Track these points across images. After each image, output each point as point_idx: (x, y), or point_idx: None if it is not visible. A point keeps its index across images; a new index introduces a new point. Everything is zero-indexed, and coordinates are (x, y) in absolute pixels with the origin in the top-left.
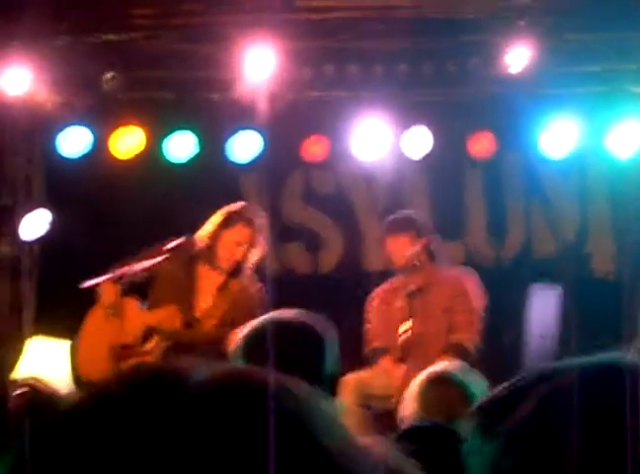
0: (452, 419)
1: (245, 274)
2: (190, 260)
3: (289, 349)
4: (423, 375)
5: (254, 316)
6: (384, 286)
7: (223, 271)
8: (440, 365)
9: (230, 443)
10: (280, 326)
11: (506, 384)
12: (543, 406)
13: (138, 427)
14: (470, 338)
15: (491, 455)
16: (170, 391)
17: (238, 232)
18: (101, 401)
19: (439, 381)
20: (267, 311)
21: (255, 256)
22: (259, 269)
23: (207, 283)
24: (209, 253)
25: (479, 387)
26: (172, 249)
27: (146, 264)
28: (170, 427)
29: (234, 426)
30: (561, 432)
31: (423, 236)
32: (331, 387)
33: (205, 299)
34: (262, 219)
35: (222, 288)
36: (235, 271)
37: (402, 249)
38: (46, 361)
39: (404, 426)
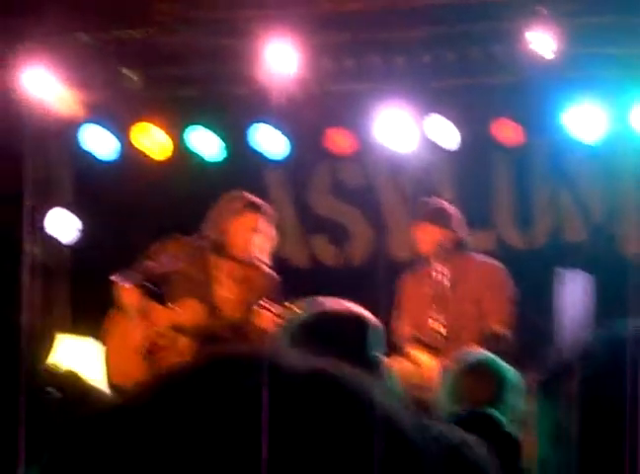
0: (487, 406)
1: (260, 261)
2: (202, 254)
3: (337, 337)
4: (457, 364)
5: (272, 301)
6: (414, 273)
7: (238, 260)
8: (474, 354)
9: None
10: (327, 314)
11: (569, 345)
12: (602, 368)
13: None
14: (503, 327)
15: (554, 415)
16: (270, 373)
17: (250, 219)
18: (194, 383)
19: (473, 369)
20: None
21: (268, 244)
22: (281, 260)
23: (225, 276)
24: (222, 244)
25: (512, 374)
26: (193, 243)
27: (169, 264)
28: (275, 407)
29: (329, 416)
30: (617, 393)
31: (452, 227)
32: (377, 373)
33: (223, 290)
34: (270, 208)
35: (239, 277)
36: (252, 259)
37: (430, 237)
38: (79, 359)
39: (439, 414)
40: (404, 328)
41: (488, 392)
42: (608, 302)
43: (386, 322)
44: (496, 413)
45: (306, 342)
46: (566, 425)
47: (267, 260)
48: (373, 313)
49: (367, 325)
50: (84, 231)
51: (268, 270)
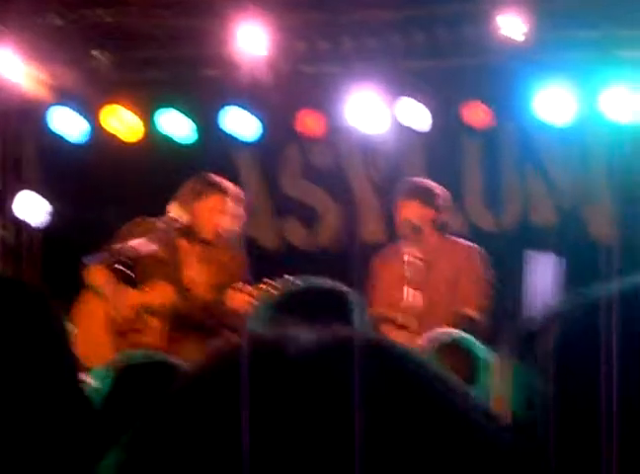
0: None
1: (227, 242)
2: (172, 237)
3: (319, 312)
4: (431, 343)
5: (241, 281)
6: (388, 251)
7: (205, 242)
8: (448, 333)
9: (340, 404)
10: (309, 290)
11: (542, 309)
12: (574, 329)
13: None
14: (477, 310)
15: (528, 377)
16: (271, 359)
17: (216, 201)
18: (204, 378)
19: (448, 348)
20: (249, 280)
21: (235, 225)
22: (251, 241)
23: (191, 257)
24: (190, 227)
25: (486, 354)
26: (160, 227)
27: (138, 246)
28: (274, 394)
29: (343, 386)
30: (591, 353)
31: (436, 206)
32: None
33: (192, 272)
34: (236, 188)
35: (207, 259)
36: (220, 241)
37: (412, 215)
38: None
39: None
40: (377, 308)
41: (463, 371)
42: (577, 285)
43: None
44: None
45: (287, 318)
46: (540, 386)
47: (235, 241)
48: None
49: (349, 299)
50: (53, 213)
51: (236, 251)
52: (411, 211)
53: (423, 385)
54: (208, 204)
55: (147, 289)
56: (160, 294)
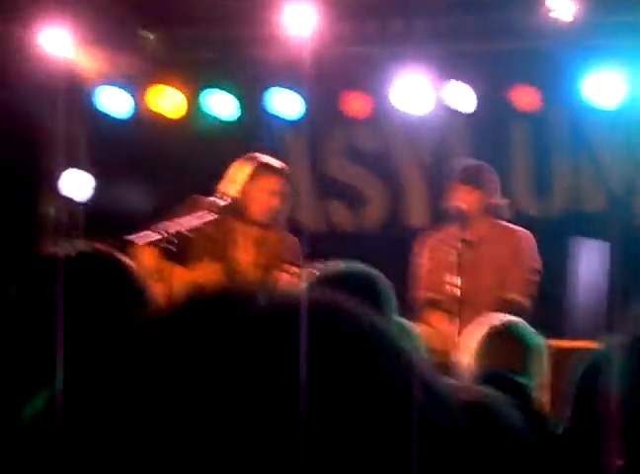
0: (513, 371)
1: (281, 224)
2: (224, 218)
3: (350, 295)
4: (483, 327)
5: (290, 263)
6: (438, 234)
7: (259, 223)
8: (500, 318)
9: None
10: (340, 274)
11: None
12: None
13: (203, 345)
14: (524, 296)
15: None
16: (237, 310)
17: (270, 182)
18: (165, 318)
19: (500, 334)
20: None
21: (285, 206)
22: (296, 223)
23: (244, 239)
24: (242, 208)
25: (538, 340)
26: (221, 207)
27: (193, 223)
28: (238, 346)
29: (308, 344)
30: None
31: (487, 189)
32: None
33: (245, 254)
34: (287, 168)
35: (260, 241)
36: (271, 222)
37: (463, 198)
38: None
39: (463, 378)
40: (422, 291)
41: (514, 357)
42: (625, 273)
43: (401, 286)
44: (521, 378)
45: None
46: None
47: (284, 222)
48: (388, 278)
49: (379, 283)
50: (98, 190)
51: (286, 232)
52: (462, 195)
53: (372, 352)
54: (260, 185)
55: (195, 268)
56: (208, 274)
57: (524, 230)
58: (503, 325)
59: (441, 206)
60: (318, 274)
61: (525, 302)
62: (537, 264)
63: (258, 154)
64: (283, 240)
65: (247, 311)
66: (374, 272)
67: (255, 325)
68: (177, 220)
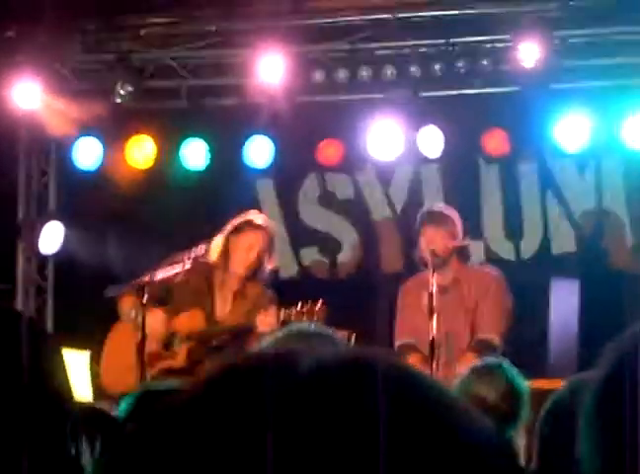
0: (501, 420)
1: (261, 278)
2: (207, 269)
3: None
4: (470, 372)
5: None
6: (414, 280)
7: (239, 276)
8: (483, 360)
9: (351, 428)
10: (301, 336)
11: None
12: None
13: (252, 415)
14: (497, 335)
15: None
16: (281, 377)
17: (248, 237)
18: (209, 394)
19: (486, 378)
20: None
21: (271, 262)
22: (273, 274)
23: (225, 290)
24: (224, 261)
25: (523, 382)
26: (194, 259)
27: (167, 273)
28: (287, 413)
29: (355, 409)
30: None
31: (457, 234)
32: None
33: (225, 305)
34: (272, 226)
35: (240, 294)
36: (251, 275)
37: (435, 244)
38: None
39: None
40: (401, 335)
41: (503, 403)
42: (597, 313)
43: (374, 333)
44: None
45: None
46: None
47: (265, 276)
48: (363, 323)
49: (336, 342)
50: (69, 243)
51: (265, 286)
52: (435, 240)
53: (443, 417)
54: (242, 240)
55: (178, 317)
56: (190, 321)
57: (495, 271)
58: (486, 366)
59: (414, 251)
60: (274, 337)
61: (498, 342)
62: (509, 303)
63: (249, 212)
64: (263, 293)
65: (293, 377)
66: (330, 331)
67: (310, 394)
68: (154, 271)
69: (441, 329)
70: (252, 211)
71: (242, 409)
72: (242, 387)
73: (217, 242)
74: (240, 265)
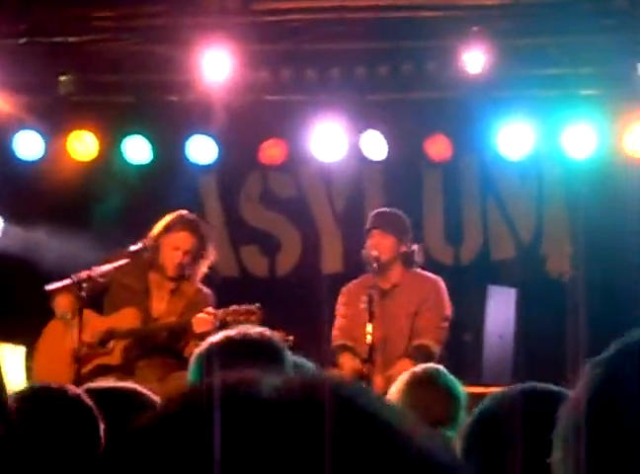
0: (439, 424)
1: (194, 278)
2: (144, 266)
3: (249, 361)
4: (406, 378)
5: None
6: (354, 283)
7: (169, 276)
8: (421, 366)
9: (316, 452)
10: (238, 339)
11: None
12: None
13: (215, 439)
14: (434, 342)
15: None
16: (246, 402)
17: (176, 237)
18: (174, 417)
19: (422, 382)
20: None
21: (202, 264)
22: (212, 272)
23: (161, 289)
24: (155, 259)
25: (461, 388)
26: (131, 254)
27: (105, 269)
28: (253, 438)
29: (317, 434)
30: None
31: (402, 238)
32: None
33: (160, 304)
34: (207, 227)
35: (174, 292)
36: (179, 275)
37: (379, 247)
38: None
39: None
40: (338, 336)
41: (439, 406)
42: (533, 320)
43: (312, 334)
44: (447, 431)
45: (219, 369)
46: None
47: (196, 276)
48: (302, 323)
49: (278, 347)
50: (6, 236)
51: (200, 285)
52: (376, 242)
53: (394, 435)
54: (170, 239)
55: (114, 315)
56: (126, 319)
57: (436, 277)
58: (424, 372)
59: (355, 253)
60: (217, 340)
61: (436, 348)
62: (448, 310)
63: (182, 211)
64: (198, 292)
65: (257, 404)
66: (272, 335)
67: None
68: (93, 267)
69: (380, 333)
70: (183, 210)
71: (196, 444)
72: (198, 422)
73: (150, 238)
74: (169, 264)
